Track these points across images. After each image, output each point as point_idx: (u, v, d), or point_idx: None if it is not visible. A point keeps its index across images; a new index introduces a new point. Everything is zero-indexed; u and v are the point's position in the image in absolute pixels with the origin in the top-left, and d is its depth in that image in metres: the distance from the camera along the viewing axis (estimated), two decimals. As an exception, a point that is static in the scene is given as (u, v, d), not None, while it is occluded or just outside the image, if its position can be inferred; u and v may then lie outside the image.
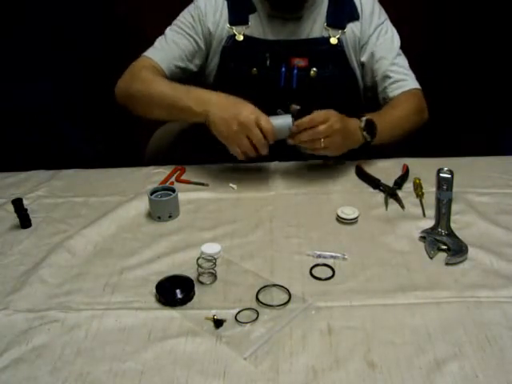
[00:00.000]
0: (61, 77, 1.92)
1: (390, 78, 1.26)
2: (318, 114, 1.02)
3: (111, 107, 2.41)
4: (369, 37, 1.26)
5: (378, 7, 1.29)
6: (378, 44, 1.26)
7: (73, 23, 2.12)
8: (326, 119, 1.02)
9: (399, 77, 1.26)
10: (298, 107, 1.04)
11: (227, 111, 1.04)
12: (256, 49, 1.24)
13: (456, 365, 0.68)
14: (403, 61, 1.29)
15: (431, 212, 1.01)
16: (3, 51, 1.93)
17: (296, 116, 1.05)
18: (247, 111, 1.03)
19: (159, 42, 1.28)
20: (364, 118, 1.11)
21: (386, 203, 1.04)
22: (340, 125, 1.04)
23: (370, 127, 1.11)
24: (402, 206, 1.03)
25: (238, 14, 1.25)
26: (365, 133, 1.11)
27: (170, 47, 1.26)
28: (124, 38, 2.51)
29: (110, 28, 2.41)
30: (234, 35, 1.24)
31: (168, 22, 1.37)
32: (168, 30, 1.30)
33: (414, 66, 1.31)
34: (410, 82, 1.27)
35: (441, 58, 2.55)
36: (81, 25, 2.15)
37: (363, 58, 1.28)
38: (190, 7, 1.29)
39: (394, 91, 1.26)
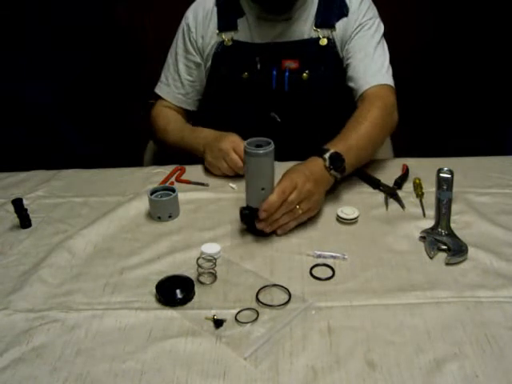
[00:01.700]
0: (60, 77, 1.92)
1: (359, 71, 1.20)
2: (282, 188, 0.89)
3: (111, 107, 2.41)
4: (351, 33, 1.23)
5: (367, 4, 1.25)
6: (357, 38, 1.22)
7: (73, 23, 2.12)
8: (293, 187, 0.90)
9: (368, 72, 1.20)
10: (247, 211, 0.93)
11: (212, 144, 1.16)
12: (245, 53, 1.24)
13: (456, 365, 0.68)
14: (379, 57, 1.22)
15: (431, 212, 1.01)
16: (3, 52, 1.93)
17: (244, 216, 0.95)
18: (226, 141, 1.13)
19: (164, 74, 1.36)
20: (327, 155, 0.98)
21: (386, 203, 1.04)
22: (310, 184, 0.92)
23: (336, 161, 0.99)
24: (403, 206, 1.03)
25: (226, 20, 1.25)
26: (332, 171, 0.98)
27: (174, 78, 1.34)
28: (124, 38, 2.52)
29: (110, 28, 2.41)
30: (223, 41, 1.25)
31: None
32: (169, 57, 1.36)
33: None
34: (379, 78, 1.19)
35: (442, 57, 2.55)
36: (81, 25, 2.15)
37: (342, 54, 1.25)
38: (181, 26, 1.32)
39: (361, 87, 1.19)
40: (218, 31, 1.26)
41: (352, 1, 1.24)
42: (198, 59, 1.30)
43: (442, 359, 0.69)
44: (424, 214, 1.00)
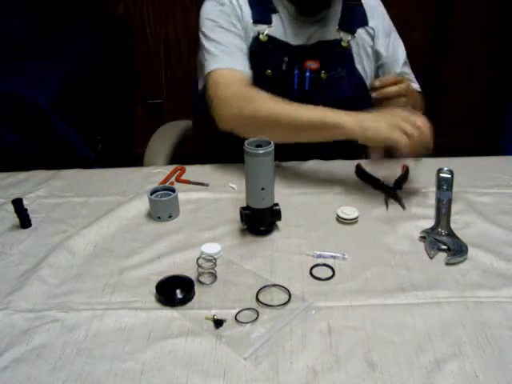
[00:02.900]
0: (59, 77, 1.92)
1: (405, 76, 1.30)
2: (395, 78, 1.12)
3: (111, 107, 2.41)
4: (382, 43, 1.28)
5: (386, 13, 1.31)
6: (391, 50, 1.30)
7: (73, 23, 2.12)
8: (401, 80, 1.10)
9: (410, 76, 1.32)
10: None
11: (383, 115, 1.00)
12: (276, 51, 1.22)
13: (456, 365, 0.68)
14: (408, 67, 1.34)
15: (431, 212, 1.01)
16: (3, 52, 1.93)
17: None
18: (399, 109, 1.01)
19: (216, 49, 1.17)
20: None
21: (387, 203, 1.04)
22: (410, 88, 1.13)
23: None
24: (403, 206, 1.03)
25: (260, 13, 1.21)
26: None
27: (233, 50, 1.17)
28: (124, 38, 2.52)
29: (109, 28, 2.41)
30: (258, 36, 1.20)
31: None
32: (211, 34, 1.18)
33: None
34: (416, 86, 1.32)
35: (444, 57, 2.55)
36: (81, 24, 2.15)
37: (379, 63, 1.31)
38: (215, 7, 1.20)
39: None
40: (252, 21, 1.20)
41: (374, 10, 1.27)
42: (243, 35, 1.20)
43: (442, 359, 0.69)
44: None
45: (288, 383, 0.66)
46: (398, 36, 1.33)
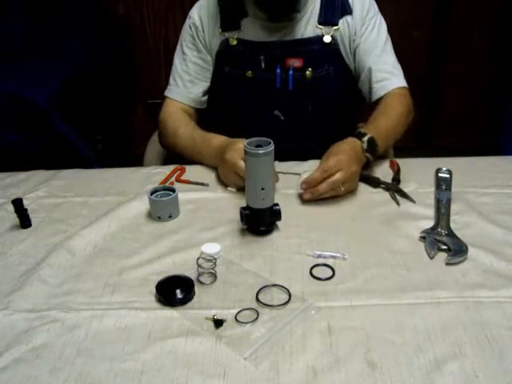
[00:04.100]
0: (59, 77, 1.92)
1: (373, 75, 1.24)
2: (328, 166, 0.99)
3: (111, 108, 2.41)
4: (358, 32, 1.24)
5: (368, 2, 1.26)
6: (363, 40, 1.24)
7: (73, 23, 2.12)
8: (339, 168, 0.99)
9: (383, 75, 1.24)
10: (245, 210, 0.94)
11: (221, 155, 1.10)
12: (250, 52, 1.24)
13: (456, 365, 0.68)
14: (389, 57, 1.26)
15: (430, 212, 1.01)
16: (3, 52, 1.93)
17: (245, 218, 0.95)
18: (231, 150, 1.07)
19: (173, 77, 1.33)
20: (366, 139, 1.07)
21: (395, 199, 1.04)
22: (355, 166, 1.02)
23: (372, 146, 1.08)
24: (412, 201, 1.03)
25: (229, 20, 1.25)
26: (367, 154, 1.07)
27: (183, 78, 1.31)
28: (124, 38, 2.52)
29: (109, 28, 2.41)
30: (227, 40, 1.25)
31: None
32: (176, 59, 1.33)
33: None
34: (395, 81, 1.24)
35: (444, 55, 2.55)
36: (81, 25, 2.15)
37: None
38: (186, 26, 1.31)
39: (378, 91, 1.24)
40: (220, 30, 1.25)
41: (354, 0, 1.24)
42: (209, 58, 1.30)
43: (442, 359, 0.69)
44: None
45: (288, 383, 0.66)
46: (377, 22, 1.26)
